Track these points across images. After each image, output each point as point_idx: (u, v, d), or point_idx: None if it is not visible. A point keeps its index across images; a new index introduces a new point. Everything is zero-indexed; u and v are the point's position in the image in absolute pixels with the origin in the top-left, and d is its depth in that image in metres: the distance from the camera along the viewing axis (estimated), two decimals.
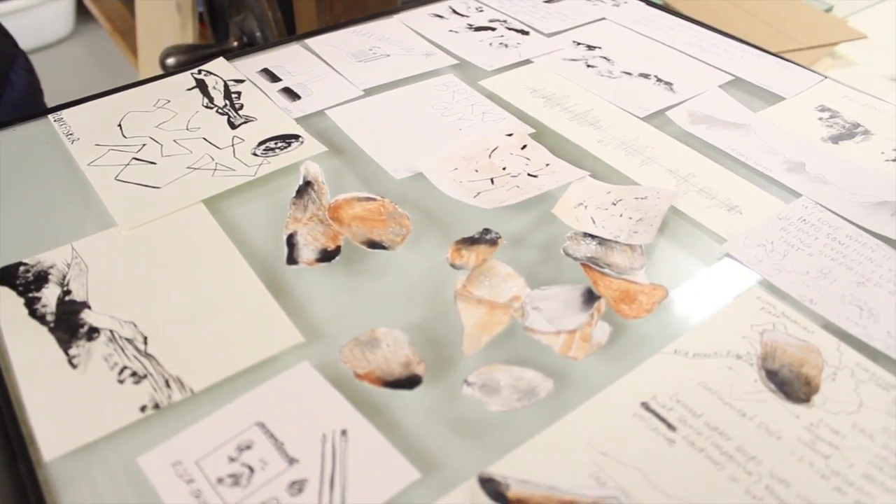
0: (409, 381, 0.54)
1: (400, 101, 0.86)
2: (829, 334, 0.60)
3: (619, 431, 0.52)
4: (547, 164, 0.75)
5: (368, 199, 0.69)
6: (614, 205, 0.70)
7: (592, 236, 0.66)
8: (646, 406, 0.53)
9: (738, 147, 0.80)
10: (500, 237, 0.65)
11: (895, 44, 1.23)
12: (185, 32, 1.68)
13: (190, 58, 1.29)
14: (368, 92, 0.87)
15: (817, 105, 0.89)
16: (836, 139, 0.83)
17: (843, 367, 0.57)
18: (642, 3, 1.11)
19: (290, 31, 1.34)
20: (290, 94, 0.87)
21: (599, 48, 0.98)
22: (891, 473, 0.50)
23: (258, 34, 1.41)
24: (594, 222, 0.67)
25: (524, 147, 0.77)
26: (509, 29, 1.02)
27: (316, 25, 1.22)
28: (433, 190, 0.72)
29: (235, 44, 1.45)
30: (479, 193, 0.70)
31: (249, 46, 1.34)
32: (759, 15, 1.30)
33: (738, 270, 0.65)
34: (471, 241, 0.65)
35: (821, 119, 0.86)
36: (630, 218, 0.68)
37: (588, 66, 0.94)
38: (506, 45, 0.97)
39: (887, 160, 0.80)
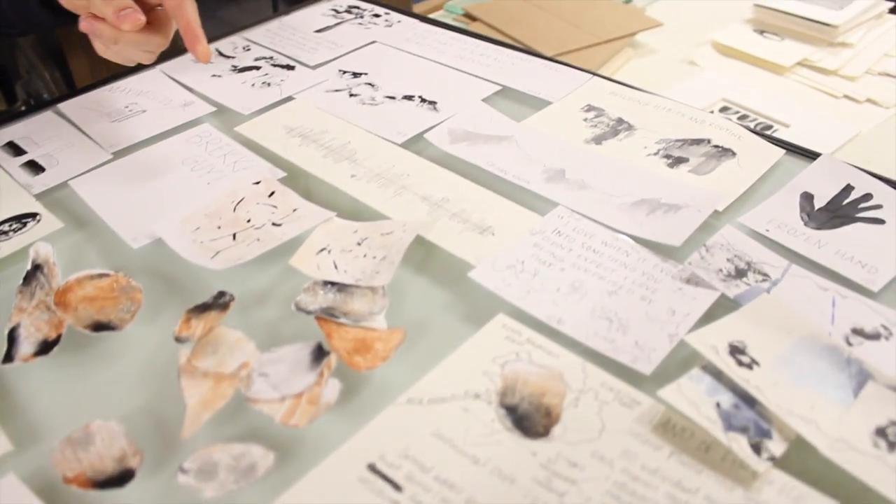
0: (121, 478, 0.50)
1: (149, 161, 0.81)
2: (576, 355, 0.57)
3: (341, 502, 0.48)
4: (294, 210, 0.71)
5: (102, 275, 0.65)
6: (359, 245, 0.66)
7: (333, 283, 0.63)
8: (372, 468, 0.50)
9: (497, 161, 0.78)
10: (232, 299, 0.61)
11: (690, 28, 1.26)
12: None
13: None
14: (118, 154, 0.82)
15: (584, 105, 0.88)
16: (599, 139, 0.81)
17: (587, 390, 0.55)
18: (416, 21, 1.09)
19: (70, 88, 1.28)
20: (34, 167, 0.81)
21: (365, 74, 0.95)
22: (627, 500, 0.48)
23: (45, 95, 1.35)
24: (336, 267, 0.64)
25: (272, 194, 0.73)
26: (274, 66, 0.98)
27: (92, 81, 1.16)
28: (175, 255, 0.67)
29: (24, 108, 1.38)
30: (217, 253, 0.66)
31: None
32: (560, 13, 1.29)
33: (486, 298, 0.62)
34: (203, 308, 0.61)
35: (586, 120, 0.85)
36: (374, 257, 0.65)
37: (351, 94, 0.91)
38: (269, 84, 0.94)
39: (649, 154, 0.79)
